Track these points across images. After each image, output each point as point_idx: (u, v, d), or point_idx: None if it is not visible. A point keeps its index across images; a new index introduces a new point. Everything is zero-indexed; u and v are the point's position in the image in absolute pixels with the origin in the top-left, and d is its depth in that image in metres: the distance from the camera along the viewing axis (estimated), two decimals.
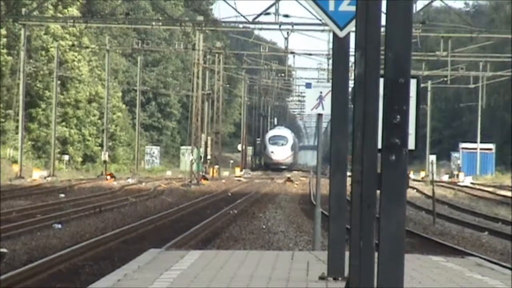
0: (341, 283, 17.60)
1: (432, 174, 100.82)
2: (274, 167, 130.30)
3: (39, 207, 58.60)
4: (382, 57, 13.73)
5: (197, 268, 22.45)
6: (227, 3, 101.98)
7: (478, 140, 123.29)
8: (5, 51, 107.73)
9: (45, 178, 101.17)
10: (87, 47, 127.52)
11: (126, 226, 48.26)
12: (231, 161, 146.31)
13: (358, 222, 15.54)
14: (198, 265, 23.09)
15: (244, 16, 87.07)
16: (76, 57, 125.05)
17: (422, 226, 50.12)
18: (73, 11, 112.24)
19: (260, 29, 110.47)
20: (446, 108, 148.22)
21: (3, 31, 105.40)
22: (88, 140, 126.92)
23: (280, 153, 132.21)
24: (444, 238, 43.23)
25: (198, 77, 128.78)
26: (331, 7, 17.34)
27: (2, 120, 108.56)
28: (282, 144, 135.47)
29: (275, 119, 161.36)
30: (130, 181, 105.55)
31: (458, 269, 24.06)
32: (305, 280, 19.99)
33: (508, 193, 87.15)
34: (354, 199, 16.35)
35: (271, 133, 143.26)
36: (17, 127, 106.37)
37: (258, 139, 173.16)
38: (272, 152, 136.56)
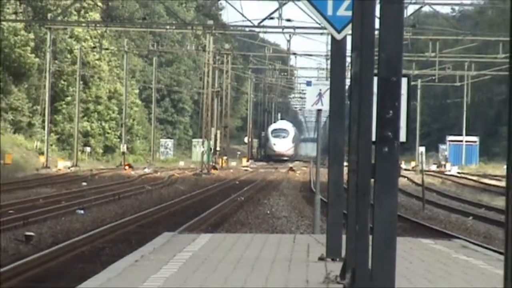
0: (338, 263, 17.54)
1: (422, 164, 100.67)
2: (276, 158, 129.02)
3: (63, 194, 58.55)
4: (376, 57, 13.74)
5: (207, 250, 22.41)
6: (235, 9, 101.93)
7: (464, 133, 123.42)
8: (32, 54, 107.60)
9: (69, 168, 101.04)
10: (107, 49, 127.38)
11: (142, 211, 48.41)
12: (238, 153, 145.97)
13: (354, 208, 15.64)
14: (208, 247, 23.05)
15: (250, 20, 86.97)
16: (97, 57, 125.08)
17: (412, 211, 50.06)
18: (95, 15, 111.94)
19: (265, 32, 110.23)
20: (434, 104, 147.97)
21: (31, 35, 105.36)
22: (108, 133, 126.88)
23: (282, 145, 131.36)
24: (433, 222, 43.22)
25: (208, 76, 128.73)
26: (330, 12, 17.28)
27: (30, 115, 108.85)
28: (284, 137, 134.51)
29: (279, 114, 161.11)
30: (146, 170, 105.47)
31: (445, 251, 24.03)
32: (306, 261, 19.97)
33: (491, 181, 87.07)
34: (350, 187, 16.49)
35: (273, 126, 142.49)
36: (43, 121, 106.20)
37: (263, 132, 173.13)
38: (274, 144, 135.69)
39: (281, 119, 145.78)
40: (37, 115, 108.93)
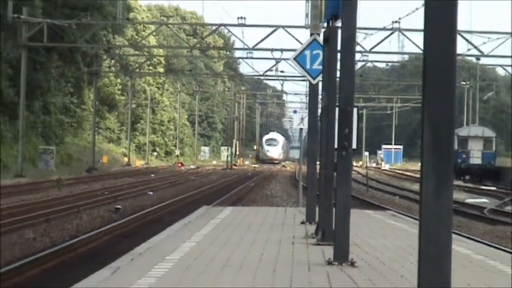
0: (313, 226, 17.63)
1: (366, 163, 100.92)
2: (268, 162, 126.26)
3: (139, 182, 58.86)
4: (337, 95, 13.86)
5: (230, 217, 22.76)
6: (247, 64, 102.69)
7: (393, 143, 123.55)
8: (119, 92, 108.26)
9: (143, 165, 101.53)
10: (167, 89, 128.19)
11: (189, 193, 48.57)
12: (250, 155, 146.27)
13: (323, 191, 15.70)
14: (231, 216, 23.36)
15: (257, 71, 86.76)
16: (160, 94, 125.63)
17: (360, 193, 49.98)
18: (160, 68, 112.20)
19: (267, 79, 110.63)
20: (374, 125, 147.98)
21: (118, 80, 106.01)
22: (168, 143, 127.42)
23: (273, 151, 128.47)
24: (373, 200, 43.26)
25: (231, 107, 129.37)
26: (308, 66, 17.23)
27: (118, 131, 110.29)
28: (275, 145, 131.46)
29: (275, 131, 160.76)
30: (192, 167, 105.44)
31: (381, 218, 24.19)
32: (293, 224, 20.32)
33: (410, 174, 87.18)
34: (321, 177, 16.52)
35: (266, 136, 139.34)
36: (126, 136, 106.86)
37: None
38: (267, 151, 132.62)
39: (272, 131, 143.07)
40: (123, 132, 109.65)
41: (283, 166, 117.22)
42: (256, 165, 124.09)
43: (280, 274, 11.62)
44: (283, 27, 59.11)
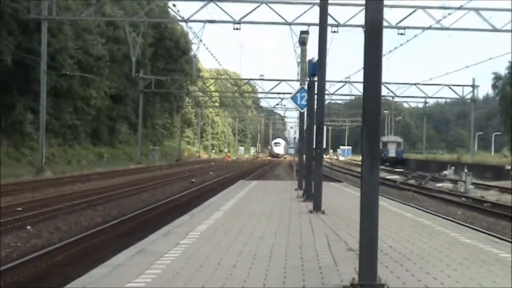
0: (301, 191, 17.51)
1: (331, 156, 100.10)
2: (275, 156, 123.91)
3: (203, 167, 57.76)
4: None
5: (255, 187, 22.24)
6: (265, 101, 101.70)
7: (346, 145, 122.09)
8: (194, 116, 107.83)
9: (208, 157, 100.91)
10: (220, 115, 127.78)
11: (233, 172, 47.55)
12: (266, 152, 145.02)
13: (307, 172, 15.58)
14: (256, 186, 22.90)
15: (270, 105, 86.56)
16: (216, 118, 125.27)
17: (327, 172, 49.47)
18: (216, 103, 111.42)
19: (276, 109, 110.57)
20: (335, 135, 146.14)
21: (193, 110, 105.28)
22: (220, 145, 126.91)
23: (278, 150, 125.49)
24: (335, 176, 42.62)
25: (256, 125, 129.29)
26: (299, 102, 17.09)
27: (193, 138, 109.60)
28: (279, 146, 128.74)
29: (280, 137, 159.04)
30: (234, 158, 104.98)
31: (339, 187, 23.85)
32: (290, 190, 19.77)
33: (355, 162, 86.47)
34: (306, 164, 16.30)
35: (274, 141, 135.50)
36: (197, 141, 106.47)
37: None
38: (274, 149, 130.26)
39: (278, 137, 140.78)
40: (196, 139, 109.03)
41: (284, 158, 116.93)
42: (269, 158, 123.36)
43: (283, 217, 11.71)
44: (285, 80, 59.11)
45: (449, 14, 32.74)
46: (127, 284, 5.43)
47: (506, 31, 32.96)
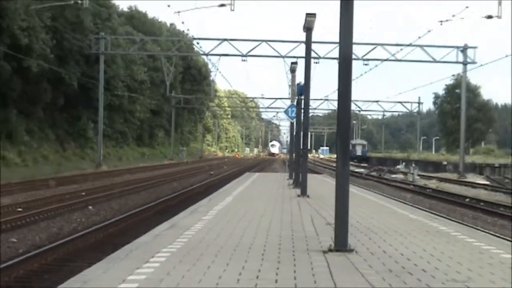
0: (291, 180, 17.12)
1: (313, 155, 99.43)
2: (272, 155, 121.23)
3: (220, 162, 57.10)
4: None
5: (258, 177, 21.83)
6: (265, 114, 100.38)
7: (325, 146, 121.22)
8: (212, 125, 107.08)
9: (223, 155, 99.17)
10: (232, 124, 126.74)
11: (241, 167, 46.73)
12: (266, 151, 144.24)
13: (296, 167, 15.37)
14: (258, 177, 22.52)
15: (269, 117, 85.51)
16: (228, 126, 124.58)
17: (311, 167, 49.14)
18: (229, 115, 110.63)
19: (273, 120, 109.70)
20: (317, 139, 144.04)
21: (211, 120, 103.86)
22: (232, 146, 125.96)
23: (274, 150, 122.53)
24: (317, 170, 42.32)
25: (258, 132, 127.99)
26: (290, 114, 16.94)
27: (211, 141, 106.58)
28: (275, 147, 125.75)
29: (275, 140, 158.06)
30: (241, 156, 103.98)
31: (321, 177, 23.50)
32: (283, 180, 19.46)
33: (332, 159, 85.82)
34: (295, 160, 16.07)
35: (271, 143, 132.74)
36: (215, 143, 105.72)
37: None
38: (271, 150, 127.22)
39: (274, 140, 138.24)
40: (213, 141, 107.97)
41: (279, 156, 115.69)
42: (268, 156, 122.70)
43: (278, 200, 11.54)
44: (280, 98, 59.23)
45: (401, 49, 32.89)
46: (163, 249, 5.38)
47: (443, 62, 33.51)
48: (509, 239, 8.77)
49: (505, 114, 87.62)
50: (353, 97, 6.02)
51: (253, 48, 32.69)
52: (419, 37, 34.22)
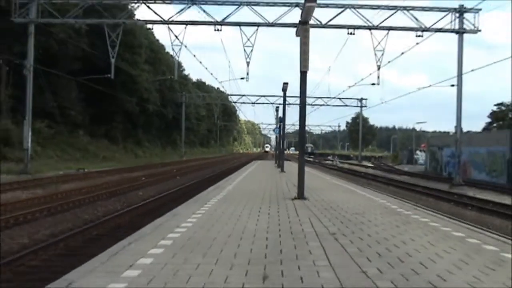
0: (277, 164, 15.09)
1: (287, 152, 79.61)
2: (266, 152, 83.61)
3: (235, 158, 42.84)
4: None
5: (257, 166, 18.04)
6: (261, 129, 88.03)
7: (293, 146, 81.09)
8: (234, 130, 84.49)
9: (242, 152, 79.82)
10: (247, 134, 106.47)
11: (250, 159, 37.17)
12: (262, 150, 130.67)
13: (280, 158, 13.90)
14: (257, 165, 18.68)
15: (266, 134, 76.93)
16: (244, 135, 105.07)
17: (285, 158, 38.99)
18: (245, 131, 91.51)
19: (268, 134, 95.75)
20: (289, 143, 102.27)
21: (237, 135, 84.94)
22: (247, 147, 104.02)
23: (267, 149, 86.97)
24: (288, 158, 30.66)
25: (260, 139, 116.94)
26: (277, 132, 15.75)
27: (231, 145, 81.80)
28: (268, 147, 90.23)
29: (268, 143, 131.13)
30: (251, 152, 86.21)
31: (290, 163, 18.76)
32: (275, 168, 15.93)
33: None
34: (278, 154, 14.58)
35: (265, 145, 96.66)
36: (235, 146, 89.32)
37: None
38: (265, 149, 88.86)
39: (267, 143, 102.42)
40: (238, 145, 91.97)
41: (271, 153, 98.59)
42: (264, 152, 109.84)
43: (270, 177, 10.01)
44: (271, 124, 55.76)
45: (378, 12, 12.26)
46: (176, 228, 3.42)
47: (436, 31, 12.01)
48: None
49: (380, 132, 77.14)
50: (307, 123, 5.84)
51: (229, 15, 14.65)
52: None
